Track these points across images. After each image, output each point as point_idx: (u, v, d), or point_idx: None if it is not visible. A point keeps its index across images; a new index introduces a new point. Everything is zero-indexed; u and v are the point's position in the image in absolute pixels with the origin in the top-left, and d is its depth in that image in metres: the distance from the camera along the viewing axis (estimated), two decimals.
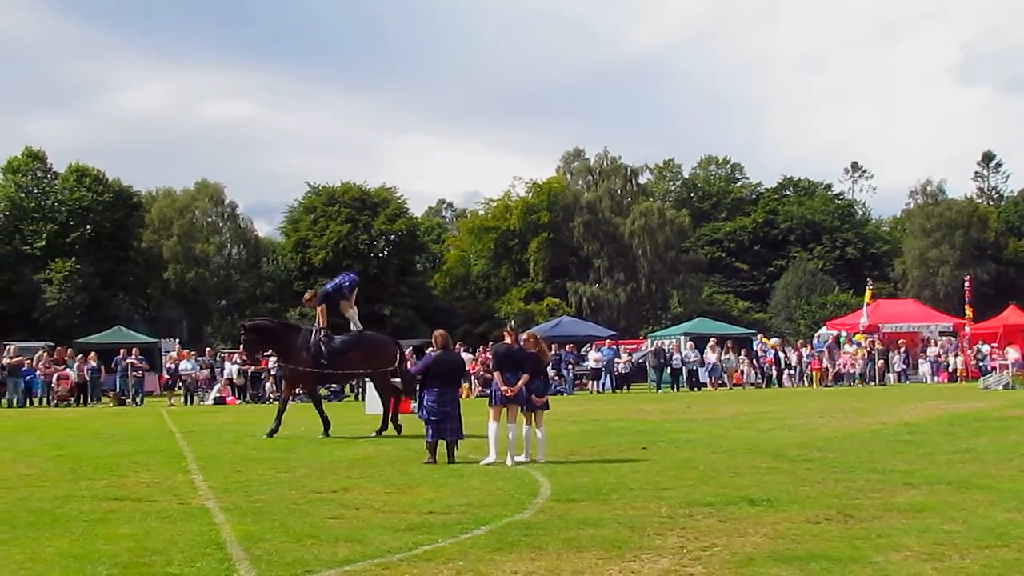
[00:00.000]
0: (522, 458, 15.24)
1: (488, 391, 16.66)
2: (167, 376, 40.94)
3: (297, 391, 25.72)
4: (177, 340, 51.55)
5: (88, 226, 76.02)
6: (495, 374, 15.82)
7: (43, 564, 8.21)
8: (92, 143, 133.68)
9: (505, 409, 15.54)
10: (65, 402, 37.21)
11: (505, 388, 15.33)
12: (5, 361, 37.57)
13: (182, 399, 38.28)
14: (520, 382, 15.34)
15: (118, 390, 38.27)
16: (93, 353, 39.61)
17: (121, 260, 75.88)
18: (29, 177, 77.57)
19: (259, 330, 22.06)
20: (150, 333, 53.24)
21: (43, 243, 73.38)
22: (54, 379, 37.27)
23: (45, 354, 38.78)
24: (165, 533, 9.52)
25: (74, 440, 18.07)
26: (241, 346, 23.29)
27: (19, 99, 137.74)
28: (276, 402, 36.62)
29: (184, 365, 39.33)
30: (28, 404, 36.65)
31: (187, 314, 76.12)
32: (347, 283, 22.83)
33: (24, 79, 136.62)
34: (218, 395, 37.55)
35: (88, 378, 38.16)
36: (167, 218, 78.34)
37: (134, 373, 38.42)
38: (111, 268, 74.44)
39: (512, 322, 18.31)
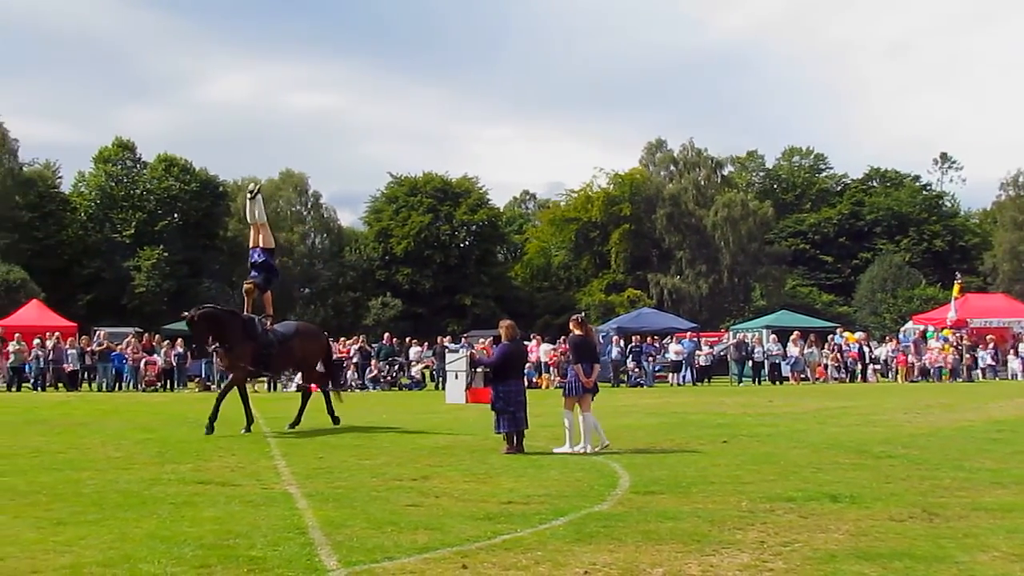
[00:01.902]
0: (581, 448, 15.46)
1: (566, 381, 16.66)
2: None
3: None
4: None
5: (175, 215, 77.36)
6: (576, 366, 15.90)
7: (131, 544, 8.37)
8: (180, 133, 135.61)
9: (579, 399, 15.70)
10: (152, 387, 37.79)
11: (587, 379, 15.67)
12: (95, 347, 38.29)
13: (265, 386, 38.65)
14: (595, 372, 15.60)
15: (203, 376, 38.78)
16: (180, 339, 40.17)
17: (207, 248, 77.04)
18: (119, 167, 79.14)
19: (210, 319, 19.30)
20: None
21: (132, 231, 74.80)
22: (142, 364, 37.83)
23: (133, 340, 39.39)
24: (248, 517, 9.65)
25: (161, 424, 18.38)
26: (194, 340, 20.73)
27: (110, 91, 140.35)
28: (356, 390, 37.04)
29: None
30: (117, 388, 37.26)
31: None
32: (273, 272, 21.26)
33: (114, 72, 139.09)
34: (301, 382, 37.85)
35: (174, 364, 38.72)
36: None
37: (219, 360, 38.82)
38: (198, 256, 75.59)
39: (582, 313, 18.22)
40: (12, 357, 37.39)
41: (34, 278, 63.66)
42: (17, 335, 38.43)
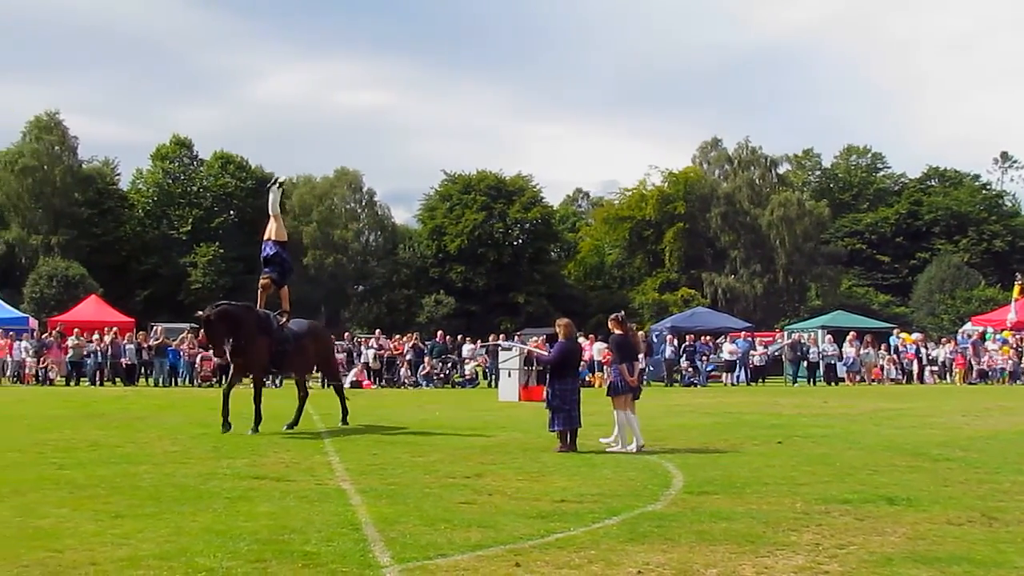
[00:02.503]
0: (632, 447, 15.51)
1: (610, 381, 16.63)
2: None
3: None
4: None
5: (231, 211, 78.06)
6: (622, 365, 15.92)
7: (187, 538, 8.45)
8: (236, 131, 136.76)
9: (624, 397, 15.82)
10: (208, 382, 38.06)
11: (632, 378, 15.87)
12: (152, 342, 38.67)
13: (320, 382, 38.86)
14: (638, 370, 15.71)
15: None
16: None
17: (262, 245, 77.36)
18: (176, 164, 79.96)
19: (227, 317, 18.36)
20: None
21: (188, 228, 75.52)
22: (197, 360, 38.11)
23: (189, 336, 39.70)
24: (303, 512, 9.71)
25: (216, 419, 18.46)
26: (205, 339, 20.02)
27: (167, 89, 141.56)
28: (410, 387, 37.17)
29: None
30: (172, 384, 37.60)
31: (325, 299, 77.45)
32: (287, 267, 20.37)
33: (172, 70, 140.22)
34: (354, 379, 37.99)
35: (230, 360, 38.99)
36: (307, 205, 79.84)
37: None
38: (253, 253, 75.52)
39: (621, 312, 18.17)
40: (71, 352, 37.84)
41: (93, 274, 64.37)
42: (76, 330, 38.90)
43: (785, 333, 48.25)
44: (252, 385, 19.22)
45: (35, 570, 7.35)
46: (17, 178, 72.86)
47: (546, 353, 19.75)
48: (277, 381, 37.95)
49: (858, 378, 41.54)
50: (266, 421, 18.56)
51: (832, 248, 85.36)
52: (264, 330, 18.73)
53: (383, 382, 38.95)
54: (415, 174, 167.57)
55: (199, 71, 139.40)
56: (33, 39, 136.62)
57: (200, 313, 18.71)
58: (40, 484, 11.43)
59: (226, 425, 18.00)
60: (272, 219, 20.33)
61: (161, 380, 37.87)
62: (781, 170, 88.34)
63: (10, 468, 12.81)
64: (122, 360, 38.40)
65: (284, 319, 19.34)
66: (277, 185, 20.99)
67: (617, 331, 16.46)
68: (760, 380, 41.90)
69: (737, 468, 13.21)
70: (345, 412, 20.22)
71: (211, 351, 23.47)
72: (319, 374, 24.60)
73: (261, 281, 19.58)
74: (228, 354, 18.45)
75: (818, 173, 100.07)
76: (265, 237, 20.10)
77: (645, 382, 39.45)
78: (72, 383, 37.22)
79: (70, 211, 73.51)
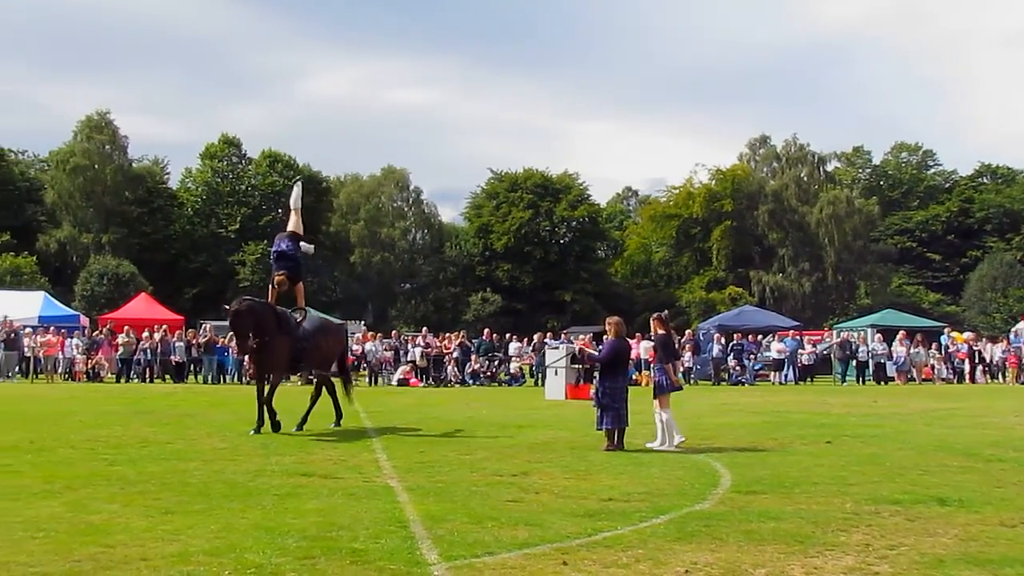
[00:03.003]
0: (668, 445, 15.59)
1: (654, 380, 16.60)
2: (353, 357, 41.79)
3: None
4: (363, 322, 52.56)
5: (279, 210, 78.29)
6: (668, 364, 15.92)
7: (237, 534, 8.51)
8: (284, 130, 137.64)
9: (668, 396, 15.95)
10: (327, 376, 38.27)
11: (677, 379, 16.07)
12: (201, 339, 38.96)
13: (367, 380, 39.03)
14: (681, 370, 15.76)
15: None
16: None
17: (310, 243, 77.77)
18: (225, 163, 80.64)
19: (253, 312, 17.88)
20: (337, 315, 54.45)
21: (237, 226, 76.12)
22: (246, 357, 38.37)
23: None
24: (350, 509, 9.75)
25: (279, 415, 18.59)
26: (233, 331, 18.90)
27: (216, 88, 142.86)
28: (458, 385, 37.24)
29: (369, 347, 40.07)
30: (221, 381, 37.87)
31: (372, 296, 77.77)
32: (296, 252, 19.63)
33: (220, 69, 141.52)
34: (402, 377, 38.14)
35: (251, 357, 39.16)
36: (354, 203, 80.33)
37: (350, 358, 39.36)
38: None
39: (664, 311, 18.13)
40: (121, 349, 38.20)
41: (143, 272, 65.01)
42: (126, 327, 39.27)
43: (834, 332, 47.92)
44: (268, 384, 18.32)
45: (87, 565, 7.41)
46: (69, 177, 73.73)
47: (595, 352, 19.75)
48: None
49: (908, 377, 41.18)
50: (312, 418, 18.64)
51: (882, 246, 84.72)
52: (284, 329, 18.27)
53: (430, 380, 39.03)
54: (462, 172, 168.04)
55: (248, 70, 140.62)
56: (84, 40, 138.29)
57: (227, 307, 18.37)
58: (92, 480, 11.53)
59: (275, 424, 17.72)
60: (293, 212, 20.38)
61: (210, 377, 38.17)
62: (830, 167, 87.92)
63: (62, 464, 12.94)
64: (171, 357, 38.72)
65: (300, 317, 18.91)
66: (298, 181, 20.89)
67: (661, 330, 16.45)
68: (808, 379, 41.62)
69: (786, 467, 13.12)
70: (339, 413, 19.43)
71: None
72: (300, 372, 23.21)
73: (276, 278, 19.00)
74: (250, 350, 18.05)
75: (868, 170, 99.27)
76: (287, 230, 20.05)
77: (692, 381, 39.65)
78: (122, 380, 37.57)
79: (120, 210, 74.30)
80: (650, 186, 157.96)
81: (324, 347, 19.57)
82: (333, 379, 19.86)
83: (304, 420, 18.60)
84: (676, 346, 17.08)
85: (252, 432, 17.04)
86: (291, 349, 18.31)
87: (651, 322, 16.82)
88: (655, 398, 15.97)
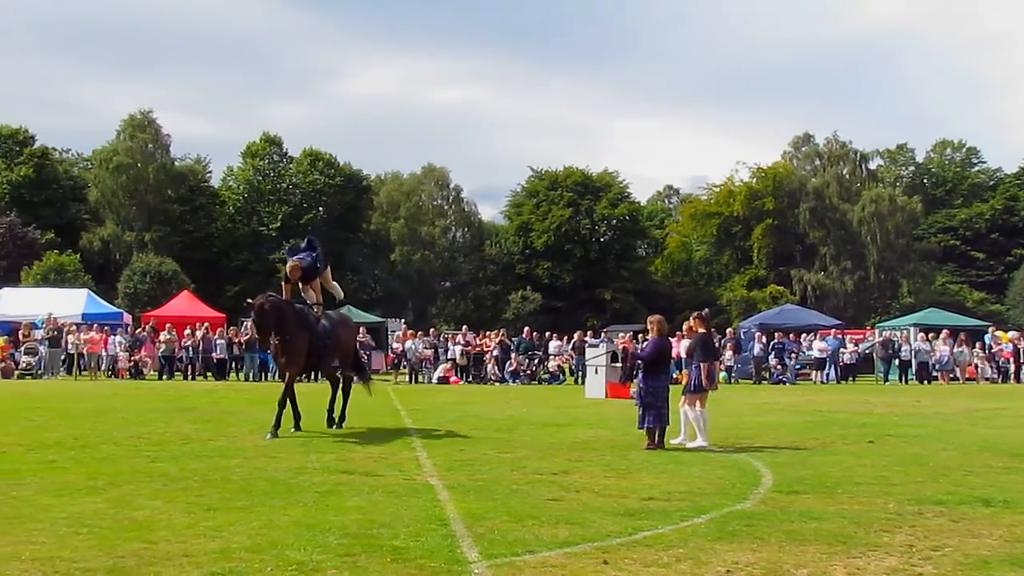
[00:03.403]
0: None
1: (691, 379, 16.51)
2: (393, 355, 41.89)
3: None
4: (403, 320, 52.70)
5: (320, 208, 78.88)
6: (703, 364, 15.89)
7: (278, 531, 8.55)
8: (324, 128, 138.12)
9: (700, 395, 15.99)
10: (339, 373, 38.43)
11: (710, 382, 16.01)
12: (242, 337, 39.17)
13: (407, 378, 39.13)
14: (722, 369, 15.74)
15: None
16: None
17: (350, 241, 78.30)
18: (266, 161, 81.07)
19: (278, 308, 17.30)
20: (377, 313, 54.62)
21: (278, 224, 76.49)
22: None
23: None
24: (391, 507, 9.77)
25: (305, 414, 18.64)
26: (256, 331, 18.13)
27: (257, 87, 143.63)
28: (498, 384, 37.24)
29: (409, 345, 40.18)
30: (262, 378, 38.04)
31: (412, 295, 77.95)
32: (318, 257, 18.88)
33: (262, 68, 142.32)
34: (442, 375, 38.22)
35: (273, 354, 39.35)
36: (394, 201, 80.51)
37: (362, 351, 39.44)
38: (341, 249, 76.79)
39: (705, 310, 18.08)
40: (163, 347, 38.48)
41: (185, 270, 65.43)
42: (168, 325, 39.56)
43: (876, 331, 47.60)
44: (285, 382, 17.69)
45: (130, 560, 7.46)
46: (112, 176, 74.37)
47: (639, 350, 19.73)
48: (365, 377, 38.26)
49: (951, 377, 40.85)
50: (352, 416, 18.71)
51: (925, 244, 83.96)
52: (304, 325, 17.75)
53: (470, 378, 39.09)
54: (502, 170, 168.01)
55: (289, 69, 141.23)
56: (127, 40, 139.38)
57: (251, 301, 17.64)
58: (134, 476, 11.62)
59: (296, 426, 17.41)
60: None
61: (251, 375, 38.39)
62: (872, 165, 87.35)
63: (105, 461, 13.05)
64: (213, 355, 38.97)
65: (318, 312, 18.38)
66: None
67: (701, 329, 16.41)
68: (850, 378, 41.40)
69: (828, 467, 13.05)
70: (342, 416, 18.84)
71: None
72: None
73: (290, 263, 18.35)
74: (273, 347, 17.66)
75: (911, 168, 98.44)
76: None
77: (733, 379, 39.52)
78: (165, 377, 37.85)
79: (163, 208, 74.88)
80: (691, 184, 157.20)
81: (345, 342, 19.32)
82: (342, 376, 19.38)
83: (343, 418, 18.65)
84: (716, 345, 16.96)
85: (268, 437, 16.14)
86: (310, 346, 17.85)
87: (691, 320, 16.74)
88: (686, 394, 15.93)
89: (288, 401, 17.13)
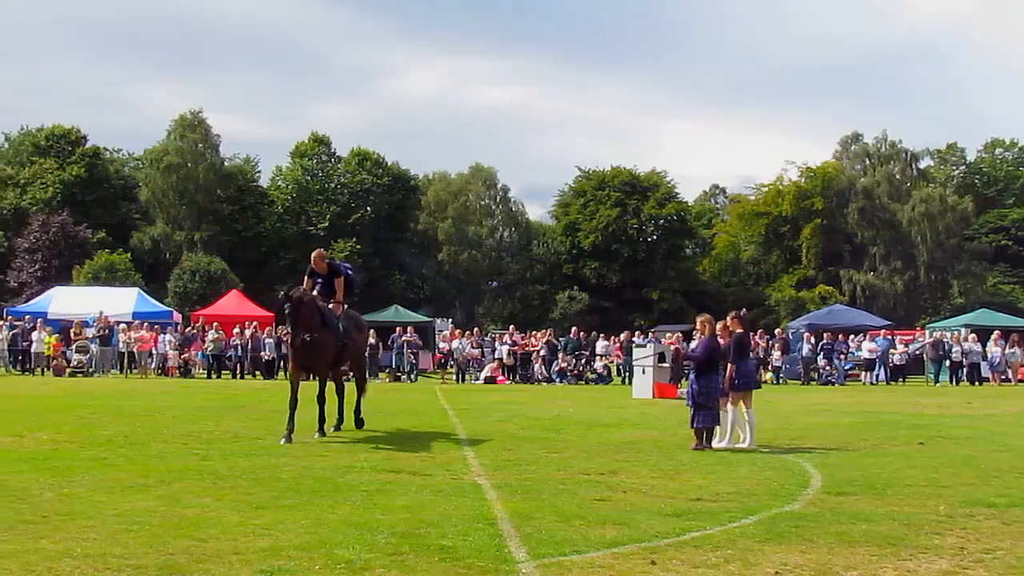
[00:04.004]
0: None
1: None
2: (440, 354, 42.02)
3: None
4: (450, 320, 52.81)
5: (368, 208, 79.19)
6: (732, 365, 15.85)
7: (326, 530, 8.60)
8: (373, 128, 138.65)
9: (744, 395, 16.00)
10: (344, 376, 38.60)
11: (735, 383, 15.86)
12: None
13: (454, 377, 39.21)
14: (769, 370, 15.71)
15: (394, 366, 39.54)
16: (372, 330, 41.10)
17: (398, 241, 78.56)
18: (314, 161, 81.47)
19: (307, 305, 16.42)
20: (425, 312, 54.77)
21: (326, 224, 76.85)
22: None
23: None
24: (439, 506, 9.80)
25: (353, 413, 18.67)
26: (290, 322, 16.28)
27: (307, 87, 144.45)
28: (545, 383, 37.24)
29: (456, 344, 40.26)
30: (310, 378, 38.16)
31: (460, 294, 78.09)
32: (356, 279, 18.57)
33: (310, 68, 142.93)
34: (489, 374, 38.25)
35: (366, 354, 39.56)
36: (442, 201, 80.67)
37: (410, 351, 39.66)
38: (389, 248, 77.20)
39: (743, 310, 17.97)
40: (211, 345, 38.75)
41: (234, 269, 65.83)
42: (215, 324, 39.83)
43: (927, 331, 47.19)
44: (318, 383, 17.31)
45: (180, 558, 7.52)
46: (162, 175, 75.03)
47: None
48: (412, 376, 38.50)
49: (1003, 378, 40.38)
50: (400, 415, 18.74)
51: (976, 245, 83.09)
52: (330, 326, 16.93)
53: (517, 378, 39.11)
54: (549, 170, 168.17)
55: (338, 69, 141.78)
56: (178, 40, 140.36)
57: (283, 294, 16.64)
58: (184, 474, 11.72)
59: (322, 426, 16.84)
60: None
61: None
62: (922, 164, 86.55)
63: (156, 458, 13.17)
64: (261, 354, 39.19)
65: (339, 311, 17.52)
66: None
67: (739, 329, 16.31)
68: (900, 379, 41.06)
69: (877, 469, 12.95)
70: (341, 418, 18.01)
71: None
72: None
73: (315, 253, 17.80)
74: (303, 344, 16.32)
75: (961, 167, 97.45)
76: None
77: (781, 380, 39.32)
78: (214, 376, 38.11)
79: (212, 207, 75.43)
80: (739, 183, 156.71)
81: (359, 345, 18.94)
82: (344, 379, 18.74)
83: (340, 420, 17.88)
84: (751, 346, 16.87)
85: (282, 442, 15.29)
86: (334, 346, 17.13)
87: (728, 320, 16.58)
88: (728, 395, 15.89)
89: (302, 403, 16.46)
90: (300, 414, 16.30)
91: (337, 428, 17.55)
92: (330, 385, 17.58)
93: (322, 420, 16.79)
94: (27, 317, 40.41)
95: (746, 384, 15.95)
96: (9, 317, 40.84)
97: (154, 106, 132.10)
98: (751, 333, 16.89)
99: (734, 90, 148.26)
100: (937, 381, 40.54)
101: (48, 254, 65.83)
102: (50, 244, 66.20)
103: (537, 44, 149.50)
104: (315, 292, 17.10)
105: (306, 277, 17.63)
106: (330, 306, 17.29)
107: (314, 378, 17.55)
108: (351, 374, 19.28)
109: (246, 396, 26.69)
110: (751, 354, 18.63)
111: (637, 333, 43.43)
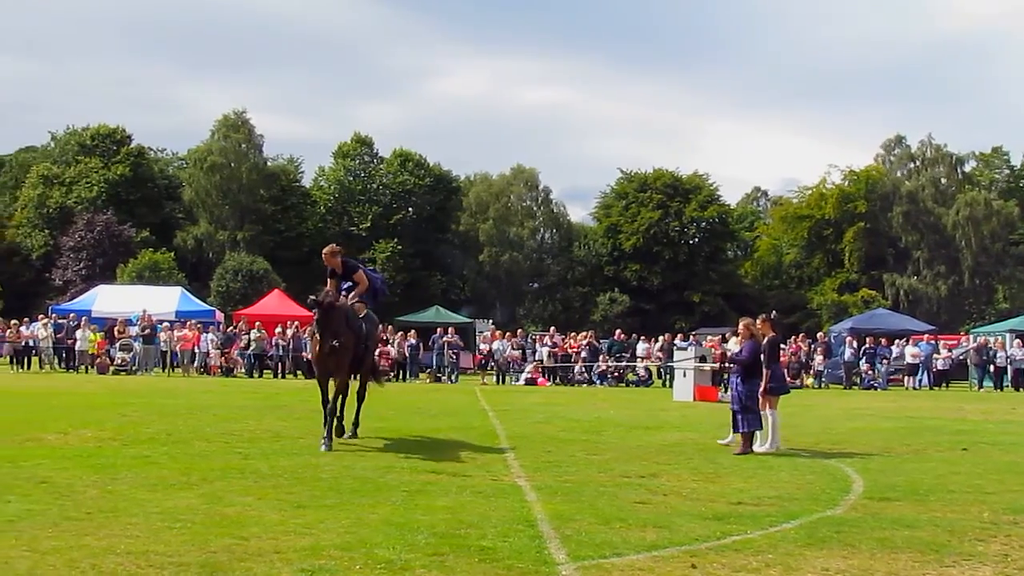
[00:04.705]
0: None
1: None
2: (481, 355, 42.07)
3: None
4: (491, 321, 52.87)
5: (409, 208, 79.38)
6: (767, 369, 15.78)
7: (367, 529, 8.63)
8: (415, 129, 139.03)
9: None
10: (385, 377, 38.74)
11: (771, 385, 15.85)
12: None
13: (494, 378, 39.23)
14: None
15: (434, 367, 39.62)
16: (412, 331, 41.25)
17: (439, 242, 78.71)
18: (357, 162, 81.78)
19: (343, 312, 15.74)
20: (466, 313, 54.83)
21: (368, 224, 77.14)
22: (376, 354, 38.76)
23: None
24: (479, 508, 9.82)
25: (394, 414, 18.81)
26: (320, 328, 15.19)
27: (349, 88, 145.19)
28: (585, 385, 37.19)
29: (497, 345, 40.30)
30: (352, 378, 38.29)
31: (501, 295, 78.13)
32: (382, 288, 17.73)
33: (353, 68, 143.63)
34: (529, 376, 38.26)
35: (407, 355, 39.69)
36: (483, 202, 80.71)
37: (450, 351, 39.72)
38: (430, 249, 77.34)
39: (773, 313, 17.85)
40: (253, 345, 38.95)
41: (276, 269, 66.20)
42: (257, 323, 40.04)
43: (971, 336, 46.78)
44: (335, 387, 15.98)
45: (222, 556, 7.57)
46: (206, 175, 75.53)
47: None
48: (453, 377, 38.55)
49: None
50: (440, 416, 18.76)
51: (1022, 249, 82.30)
52: (352, 327, 15.99)
53: (557, 379, 39.10)
54: (591, 172, 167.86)
55: (381, 70, 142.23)
56: (221, 40, 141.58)
57: (314, 297, 15.54)
58: (226, 473, 11.79)
59: (341, 429, 16.00)
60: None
61: None
62: (967, 168, 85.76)
63: (198, 457, 13.26)
64: (303, 354, 39.30)
65: (361, 309, 16.62)
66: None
67: (772, 333, 16.22)
68: (943, 384, 40.74)
69: (920, 474, 12.85)
70: (356, 422, 16.90)
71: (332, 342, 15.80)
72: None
73: (327, 249, 16.87)
74: (324, 350, 15.41)
75: (1006, 171, 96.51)
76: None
77: (823, 384, 39.14)
78: (255, 375, 38.30)
79: (255, 207, 75.83)
80: (782, 186, 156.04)
81: (374, 347, 18.32)
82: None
83: (356, 425, 16.90)
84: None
85: (324, 448, 14.46)
86: (356, 349, 16.22)
87: (758, 323, 16.39)
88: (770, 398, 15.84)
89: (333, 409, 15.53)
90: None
91: (353, 435, 16.53)
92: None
93: (330, 433, 15.09)
94: (71, 315, 40.78)
95: (779, 388, 15.91)
96: (54, 315, 41.21)
97: (198, 106, 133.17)
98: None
99: (777, 92, 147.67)
100: (981, 386, 40.19)
101: (93, 253, 66.48)
102: (95, 243, 66.86)
103: (580, 46, 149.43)
104: (342, 294, 16.31)
105: (328, 278, 16.80)
106: (356, 304, 16.47)
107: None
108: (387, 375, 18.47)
109: (287, 395, 26.83)
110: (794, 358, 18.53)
111: (678, 336, 43.29)
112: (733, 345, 19.62)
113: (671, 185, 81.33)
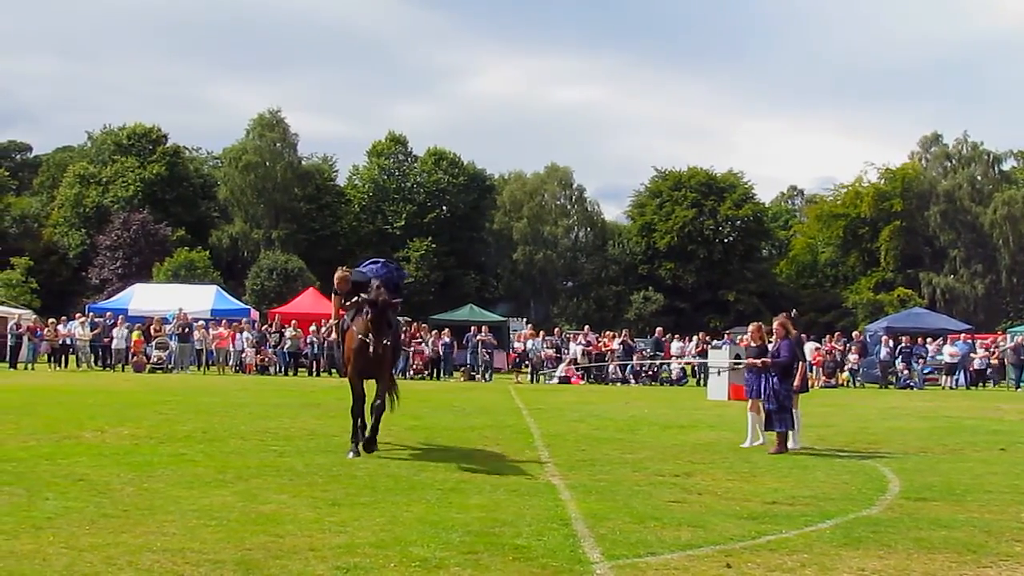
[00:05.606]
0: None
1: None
2: (515, 354, 42.08)
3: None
4: (525, 319, 52.88)
5: (444, 207, 79.42)
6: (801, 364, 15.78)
7: (402, 527, 8.66)
8: (449, 127, 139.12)
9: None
10: (419, 375, 38.87)
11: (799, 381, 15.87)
12: None
13: (528, 377, 39.24)
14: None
15: (469, 365, 39.69)
16: (447, 329, 41.31)
17: (473, 240, 78.78)
18: (391, 160, 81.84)
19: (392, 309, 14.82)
20: (499, 312, 54.86)
21: (402, 223, 77.25)
22: (410, 353, 38.90)
23: (404, 328, 40.61)
24: (513, 506, 9.83)
25: (428, 412, 18.85)
26: (374, 328, 13.92)
27: (383, 86, 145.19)
28: (619, 384, 37.13)
29: (531, 344, 40.31)
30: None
31: (535, 294, 78.12)
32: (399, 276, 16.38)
33: (388, 67, 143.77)
34: (563, 374, 38.25)
35: (441, 353, 39.77)
36: (518, 201, 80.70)
37: (484, 350, 39.77)
38: (464, 248, 77.43)
39: (793, 310, 17.76)
40: (288, 343, 39.09)
41: (311, 267, 66.40)
42: (293, 322, 40.18)
43: (1008, 336, 46.39)
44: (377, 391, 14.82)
45: (257, 553, 7.61)
46: (241, 174, 75.84)
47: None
48: (487, 375, 38.59)
49: None
50: (474, 414, 18.77)
51: None
52: (390, 324, 14.84)
53: (591, 378, 39.07)
54: (625, 170, 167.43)
55: (415, 68, 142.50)
56: (257, 40, 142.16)
57: (366, 295, 14.61)
58: (261, 471, 11.85)
59: (356, 450, 14.02)
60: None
61: None
62: (1005, 167, 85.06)
63: (234, 455, 13.33)
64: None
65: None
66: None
67: (793, 331, 16.15)
68: (980, 384, 40.43)
69: (957, 474, 12.76)
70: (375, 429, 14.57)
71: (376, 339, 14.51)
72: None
73: (338, 274, 15.88)
74: (372, 348, 14.24)
75: None
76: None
77: (858, 383, 38.93)
78: (290, 373, 38.46)
79: (290, 206, 76.09)
80: (817, 185, 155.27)
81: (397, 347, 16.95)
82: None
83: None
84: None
85: (351, 455, 13.70)
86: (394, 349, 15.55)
87: (782, 324, 16.20)
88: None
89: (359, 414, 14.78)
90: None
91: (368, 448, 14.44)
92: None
93: (358, 435, 14.42)
94: (108, 314, 41.10)
95: (801, 387, 15.87)
96: (91, 313, 41.52)
97: (233, 105, 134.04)
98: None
99: (812, 90, 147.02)
100: (1018, 386, 39.83)
101: (129, 251, 67.01)
102: (131, 242, 67.37)
103: (614, 44, 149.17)
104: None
105: (333, 295, 16.07)
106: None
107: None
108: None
109: (322, 393, 26.86)
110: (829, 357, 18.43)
111: (713, 335, 43.18)
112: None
113: (706, 183, 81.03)
